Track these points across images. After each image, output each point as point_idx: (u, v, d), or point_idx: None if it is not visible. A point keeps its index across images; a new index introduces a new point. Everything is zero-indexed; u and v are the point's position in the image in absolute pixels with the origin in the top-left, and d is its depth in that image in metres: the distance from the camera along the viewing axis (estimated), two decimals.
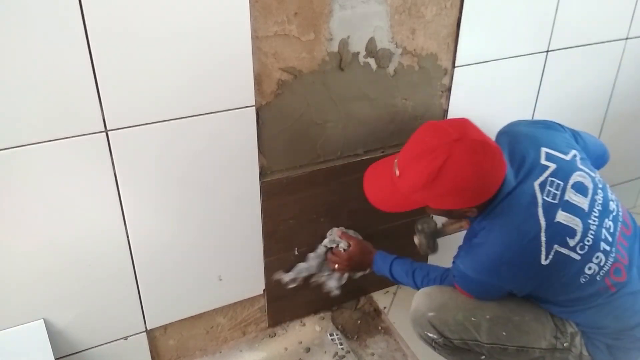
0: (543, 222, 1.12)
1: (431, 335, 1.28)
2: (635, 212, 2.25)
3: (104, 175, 1.19)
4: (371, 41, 1.35)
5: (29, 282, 1.23)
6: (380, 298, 1.79)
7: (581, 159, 1.22)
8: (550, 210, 1.13)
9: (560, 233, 1.12)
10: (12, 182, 1.11)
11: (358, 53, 1.35)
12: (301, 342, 1.65)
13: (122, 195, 1.23)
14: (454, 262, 1.27)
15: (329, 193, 1.51)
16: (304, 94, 1.34)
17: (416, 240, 1.55)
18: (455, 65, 1.50)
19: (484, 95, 1.61)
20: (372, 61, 1.38)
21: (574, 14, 1.60)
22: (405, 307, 1.73)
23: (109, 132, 1.15)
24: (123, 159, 1.19)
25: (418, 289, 1.37)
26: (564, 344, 1.24)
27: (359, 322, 1.73)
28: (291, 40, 1.25)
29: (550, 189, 1.15)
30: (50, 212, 1.17)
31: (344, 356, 1.59)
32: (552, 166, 1.17)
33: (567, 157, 1.20)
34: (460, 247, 1.27)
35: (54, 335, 1.31)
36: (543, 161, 1.18)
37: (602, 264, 1.15)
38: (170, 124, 1.20)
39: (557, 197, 1.14)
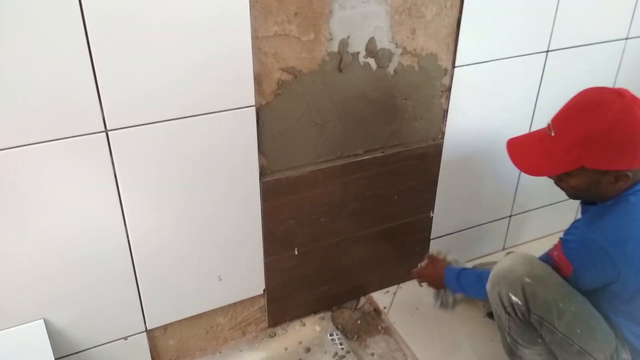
0: None
1: (515, 299, 1.23)
2: None
3: (104, 175, 1.19)
4: (371, 41, 1.35)
5: (29, 282, 1.23)
6: (380, 298, 1.79)
7: None
8: None
9: None
10: (12, 182, 1.11)
11: (358, 53, 1.35)
12: (301, 342, 1.65)
13: (122, 195, 1.23)
14: (568, 230, 1.23)
15: (329, 193, 1.52)
16: (304, 94, 1.34)
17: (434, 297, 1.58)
18: (455, 65, 1.50)
19: (484, 95, 1.61)
20: (372, 61, 1.38)
21: (574, 14, 1.60)
22: (406, 307, 1.74)
23: (109, 132, 1.15)
24: (123, 159, 1.19)
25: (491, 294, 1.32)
26: None
27: (359, 322, 1.73)
28: (291, 40, 1.25)
29: None
30: (50, 212, 1.17)
31: (344, 356, 1.59)
32: None
33: None
34: (581, 218, 1.24)
35: (54, 335, 1.31)
36: None
37: None
38: (170, 124, 1.20)
39: None
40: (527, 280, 1.22)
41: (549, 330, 1.24)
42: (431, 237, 1.80)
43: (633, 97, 1.07)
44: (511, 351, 1.39)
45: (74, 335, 1.35)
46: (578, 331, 1.22)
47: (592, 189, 1.17)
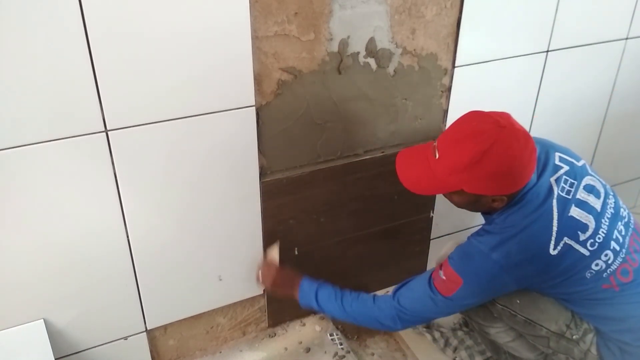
0: (556, 213, 1.16)
1: None
2: (635, 212, 2.25)
3: (104, 175, 1.19)
4: (371, 41, 1.35)
5: (29, 282, 1.23)
6: None
7: (590, 169, 1.27)
8: (564, 203, 1.17)
9: (571, 226, 1.16)
10: (12, 182, 1.11)
11: (358, 53, 1.35)
12: (301, 342, 1.65)
13: (122, 195, 1.23)
14: (456, 250, 1.25)
15: (329, 193, 1.51)
16: (304, 94, 1.34)
17: None
18: (455, 65, 1.50)
19: (484, 95, 1.61)
20: (372, 61, 1.38)
21: (574, 14, 1.60)
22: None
23: (109, 132, 1.15)
24: (123, 159, 1.19)
25: (344, 316, 1.34)
26: (573, 336, 1.26)
27: None
28: (291, 40, 1.25)
29: (564, 185, 1.20)
30: (51, 212, 1.17)
31: (344, 356, 1.59)
32: (565, 167, 1.23)
33: (579, 164, 1.26)
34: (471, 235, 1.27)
35: (54, 335, 1.31)
36: (557, 162, 1.23)
37: (610, 262, 1.18)
38: (170, 124, 1.20)
39: (571, 193, 1.19)
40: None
41: (490, 303, 1.31)
42: (431, 237, 1.80)
43: (513, 127, 1.12)
44: (493, 346, 1.44)
45: (74, 335, 1.35)
46: (518, 302, 1.28)
47: (472, 207, 1.24)
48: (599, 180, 1.26)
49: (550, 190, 1.18)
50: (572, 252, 1.15)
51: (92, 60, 1.06)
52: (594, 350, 1.26)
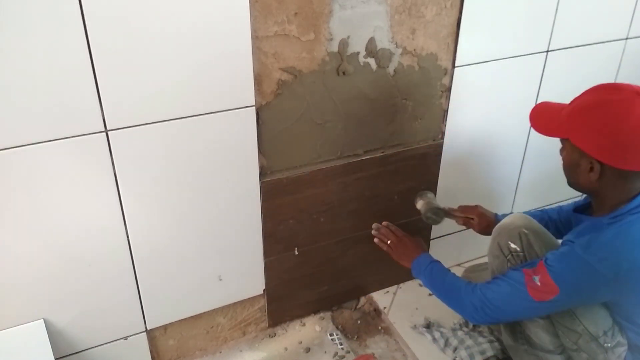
0: None
1: (514, 246, 1.27)
2: None
3: (104, 175, 1.19)
4: (371, 41, 1.35)
5: (29, 282, 1.23)
6: (380, 298, 1.79)
7: None
8: None
9: None
10: (12, 182, 1.11)
11: (358, 53, 1.35)
12: (301, 342, 1.65)
13: (122, 195, 1.23)
14: (554, 253, 1.18)
15: (329, 193, 1.52)
16: (304, 94, 1.34)
17: (420, 204, 1.57)
18: (455, 65, 1.50)
19: (484, 95, 1.61)
20: (372, 61, 1.38)
21: (574, 14, 1.60)
22: (406, 307, 1.74)
23: (109, 132, 1.15)
24: (123, 159, 1.19)
25: (449, 298, 1.32)
26: (606, 343, 1.22)
27: (359, 322, 1.73)
28: (291, 40, 1.25)
29: None
30: (51, 212, 1.17)
31: (344, 356, 1.59)
32: None
33: None
34: (568, 236, 1.19)
35: (54, 335, 1.31)
36: None
37: None
38: (170, 124, 1.20)
39: None
40: (525, 230, 1.27)
41: None
42: (431, 237, 1.80)
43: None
44: (511, 329, 1.39)
45: (74, 335, 1.35)
46: None
47: (571, 171, 1.17)
48: None
49: None
50: None
51: (92, 61, 1.06)
52: None
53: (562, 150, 1.19)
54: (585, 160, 1.11)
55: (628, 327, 1.23)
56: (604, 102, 1.07)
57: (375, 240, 1.52)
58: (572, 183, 1.21)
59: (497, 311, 1.22)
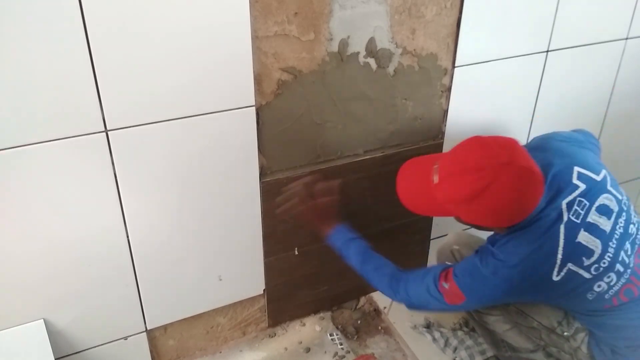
0: (562, 240, 1.13)
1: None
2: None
3: (104, 175, 1.19)
4: (371, 41, 1.35)
5: (29, 282, 1.23)
6: (380, 298, 1.79)
7: (611, 179, 1.22)
8: (572, 229, 1.14)
9: (577, 253, 1.14)
10: (12, 182, 1.11)
11: (358, 53, 1.35)
12: (301, 342, 1.65)
13: (122, 195, 1.23)
14: (457, 263, 1.27)
15: None
16: (304, 94, 1.34)
17: None
18: (455, 65, 1.50)
19: (484, 95, 1.61)
20: (372, 61, 1.38)
21: (574, 14, 1.60)
22: (406, 307, 1.74)
23: (109, 132, 1.15)
24: (123, 159, 1.19)
25: (364, 273, 1.37)
26: (564, 332, 1.27)
27: (359, 322, 1.73)
28: (291, 40, 1.25)
29: (577, 208, 1.16)
30: (50, 212, 1.17)
31: (344, 356, 1.59)
32: (582, 186, 1.17)
33: (598, 178, 1.20)
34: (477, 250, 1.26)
35: (54, 335, 1.31)
36: (575, 180, 1.18)
37: (612, 283, 1.17)
38: (170, 124, 1.20)
39: (581, 217, 1.15)
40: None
41: None
42: (431, 237, 1.80)
43: (517, 164, 1.07)
44: (492, 339, 1.46)
45: (74, 335, 1.35)
46: None
47: (478, 227, 1.25)
48: (614, 195, 1.19)
49: (560, 215, 1.14)
50: (574, 276, 1.14)
51: (92, 60, 1.06)
52: (584, 348, 1.27)
53: (455, 217, 1.22)
54: (485, 227, 1.21)
55: (575, 316, 1.28)
56: (480, 191, 1.07)
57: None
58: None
59: (419, 305, 1.30)
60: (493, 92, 1.62)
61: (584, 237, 1.14)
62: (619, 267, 1.17)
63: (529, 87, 1.69)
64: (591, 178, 1.19)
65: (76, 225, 1.22)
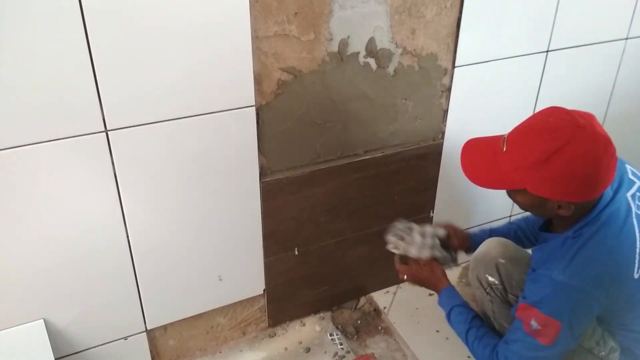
0: (638, 233, 1.07)
1: (492, 279, 1.28)
2: None
3: (104, 175, 1.19)
4: (371, 41, 1.35)
5: (29, 282, 1.23)
6: (380, 298, 1.79)
7: None
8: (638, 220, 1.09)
9: None
10: (12, 182, 1.11)
11: (358, 53, 1.35)
12: (301, 342, 1.65)
13: (122, 195, 1.23)
14: (532, 289, 1.14)
15: (329, 193, 1.51)
16: (304, 94, 1.34)
17: (427, 252, 1.37)
18: (455, 65, 1.50)
19: (484, 95, 1.61)
20: (372, 61, 1.38)
21: (574, 14, 1.60)
22: (406, 307, 1.74)
23: (109, 132, 1.15)
24: (123, 159, 1.19)
25: (465, 342, 1.28)
26: (600, 353, 1.21)
27: (359, 322, 1.73)
28: (291, 40, 1.25)
29: (639, 203, 1.11)
30: (50, 212, 1.17)
31: (344, 356, 1.59)
32: (638, 182, 1.14)
33: None
34: (540, 266, 1.15)
35: (54, 335, 1.31)
36: (630, 176, 1.15)
37: None
38: (170, 124, 1.20)
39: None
40: (502, 260, 1.29)
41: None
42: None
43: (593, 128, 1.02)
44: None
45: (74, 335, 1.35)
46: None
47: (536, 210, 1.14)
48: None
49: (629, 208, 1.08)
50: None
51: (92, 61, 1.06)
52: None
53: (513, 195, 1.14)
54: (552, 203, 1.07)
55: (617, 332, 1.22)
56: (553, 152, 1.00)
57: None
58: (535, 215, 1.18)
59: None
60: (493, 92, 1.62)
61: None
62: None
63: (529, 87, 1.69)
64: None
65: (76, 225, 1.22)
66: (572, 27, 1.63)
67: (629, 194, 1.11)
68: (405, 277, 1.41)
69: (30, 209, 1.15)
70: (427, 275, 1.36)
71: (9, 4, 0.96)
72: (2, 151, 1.07)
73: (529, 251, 1.26)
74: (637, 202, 1.11)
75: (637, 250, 1.07)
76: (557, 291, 1.08)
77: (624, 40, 1.77)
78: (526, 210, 1.17)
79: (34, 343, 1.25)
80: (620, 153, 1.89)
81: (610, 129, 2.01)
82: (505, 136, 1.11)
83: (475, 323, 1.27)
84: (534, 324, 1.09)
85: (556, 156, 1.00)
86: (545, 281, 1.10)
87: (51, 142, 1.10)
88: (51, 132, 1.09)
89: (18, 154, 1.08)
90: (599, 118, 1.92)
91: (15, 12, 0.97)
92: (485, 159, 1.13)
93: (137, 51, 1.09)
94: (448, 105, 1.56)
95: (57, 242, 1.21)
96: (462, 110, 1.59)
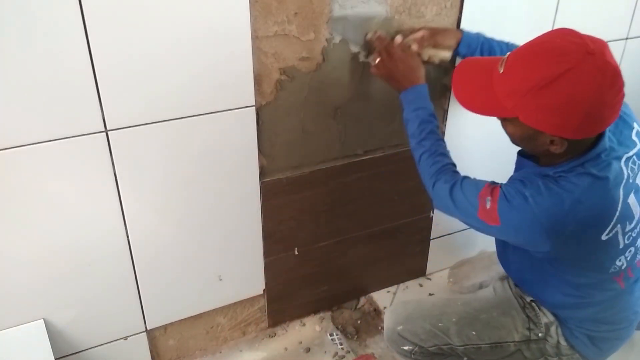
0: (621, 196, 1.00)
1: (406, 348, 1.29)
2: None
3: (104, 175, 1.19)
4: (371, 41, 1.35)
5: (29, 282, 1.23)
6: (380, 298, 1.79)
7: None
8: (627, 188, 1.02)
9: (626, 215, 1.02)
10: (12, 182, 1.11)
11: (358, 53, 1.35)
12: (301, 342, 1.65)
13: (122, 195, 1.23)
14: (512, 182, 1.07)
15: (329, 193, 1.52)
16: (304, 93, 1.34)
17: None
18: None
19: None
20: (372, 61, 1.38)
21: (574, 14, 1.60)
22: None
23: (109, 132, 1.15)
24: (123, 159, 1.19)
25: (414, 154, 1.21)
26: (539, 334, 1.21)
27: (359, 322, 1.73)
28: (291, 40, 1.25)
29: (634, 166, 1.04)
30: (50, 212, 1.17)
31: (344, 356, 1.59)
32: (639, 145, 1.06)
33: None
34: (527, 178, 1.05)
35: (54, 335, 1.31)
36: (633, 136, 1.06)
37: (629, 257, 1.08)
38: (170, 124, 1.20)
39: (631, 178, 1.02)
40: (399, 327, 1.29)
41: (451, 349, 1.27)
42: (431, 237, 1.80)
43: (603, 57, 0.92)
44: None
45: (74, 335, 1.35)
46: (474, 333, 1.24)
47: (526, 144, 1.05)
48: None
49: (622, 171, 1.00)
50: (615, 241, 1.02)
51: (92, 60, 1.06)
52: (563, 341, 1.20)
53: (504, 125, 1.05)
54: (544, 136, 0.97)
55: (559, 288, 1.15)
56: (554, 78, 0.90)
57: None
58: (525, 150, 1.09)
59: (448, 208, 1.13)
60: None
61: (632, 199, 1.02)
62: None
63: None
64: None
65: (76, 225, 1.22)
66: (572, 27, 1.62)
67: (625, 156, 1.03)
68: (377, 61, 1.26)
69: (30, 208, 1.15)
70: (402, 67, 1.23)
71: (9, 4, 0.96)
72: (2, 151, 1.07)
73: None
74: (631, 165, 1.03)
75: (616, 214, 1.00)
76: (520, 204, 1.01)
77: (624, 40, 1.77)
78: (516, 144, 1.09)
79: (34, 343, 1.25)
80: None
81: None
82: (505, 56, 1.00)
83: (437, 134, 1.20)
84: (488, 200, 1.04)
85: (557, 83, 0.90)
86: (519, 186, 1.03)
87: (51, 142, 1.10)
88: (51, 132, 1.09)
89: (18, 154, 1.08)
90: None
91: (16, 11, 0.97)
92: (479, 80, 1.03)
93: (137, 51, 1.09)
94: (448, 105, 1.56)
95: (57, 241, 1.21)
96: (462, 110, 1.58)
